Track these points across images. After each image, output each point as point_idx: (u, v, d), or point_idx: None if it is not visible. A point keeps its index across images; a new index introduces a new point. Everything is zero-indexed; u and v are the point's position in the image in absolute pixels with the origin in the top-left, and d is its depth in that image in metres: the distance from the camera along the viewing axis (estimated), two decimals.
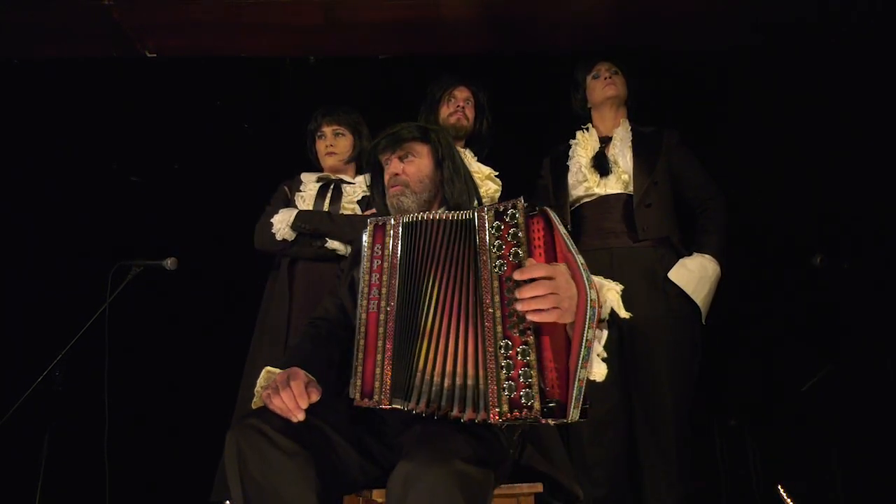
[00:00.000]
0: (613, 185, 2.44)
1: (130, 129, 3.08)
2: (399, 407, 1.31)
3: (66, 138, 3.06)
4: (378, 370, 1.33)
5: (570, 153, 2.57)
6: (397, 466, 1.13)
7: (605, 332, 1.27)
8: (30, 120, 3.03)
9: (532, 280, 1.17)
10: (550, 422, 1.16)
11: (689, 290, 2.29)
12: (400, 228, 1.41)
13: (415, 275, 1.36)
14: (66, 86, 3.04)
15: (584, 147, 2.54)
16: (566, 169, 2.55)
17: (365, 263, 1.41)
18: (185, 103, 3.09)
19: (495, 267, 1.24)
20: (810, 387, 2.62)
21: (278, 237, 2.34)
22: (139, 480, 2.72)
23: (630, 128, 2.53)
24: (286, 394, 1.27)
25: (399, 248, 1.39)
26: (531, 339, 1.17)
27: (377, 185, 1.74)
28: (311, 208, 2.42)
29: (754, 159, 2.95)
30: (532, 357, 1.16)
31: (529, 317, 1.16)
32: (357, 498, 1.48)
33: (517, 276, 1.18)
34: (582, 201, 2.50)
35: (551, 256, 1.25)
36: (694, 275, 2.31)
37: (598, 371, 1.21)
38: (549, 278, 1.16)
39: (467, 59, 2.97)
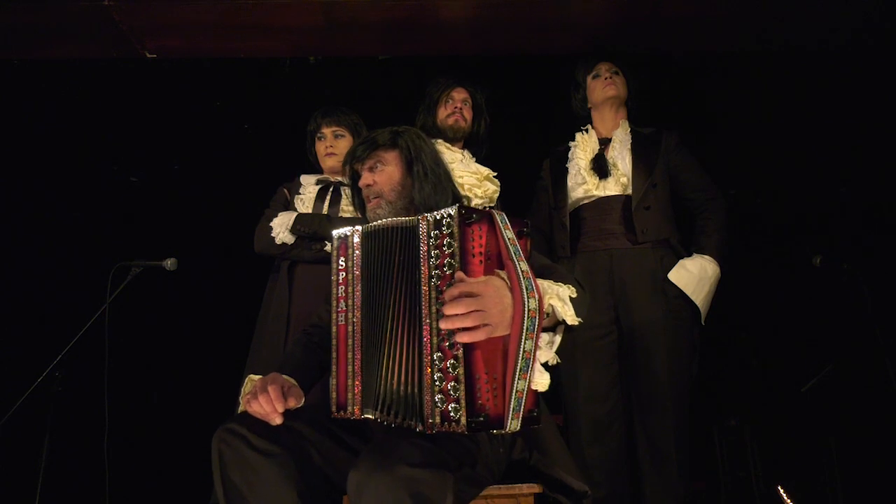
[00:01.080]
0: (612, 188, 2.44)
1: (130, 129, 3.08)
2: (370, 416, 1.32)
3: (66, 139, 3.06)
4: (349, 381, 1.35)
5: (570, 155, 2.57)
6: (349, 475, 1.14)
7: (558, 338, 1.26)
8: (30, 120, 3.04)
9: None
10: (497, 432, 1.16)
11: (688, 291, 2.29)
12: (359, 238, 1.41)
13: (376, 284, 1.35)
14: (66, 86, 3.04)
15: (583, 149, 2.53)
16: (565, 171, 2.55)
17: (332, 277, 1.41)
18: (185, 104, 3.09)
19: (433, 277, 1.20)
20: (810, 387, 2.62)
21: (278, 241, 2.34)
22: (139, 481, 2.73)
23: (629, 129, 2.53)
24: (264, 398, 1.31)
25: (360, 259, 1.39)
26: (460, 352, 1.14)
27: (359, 197, 1.71)
28: (310, 211, 2.42)
29: (754, 160, 2.95)
30: (460, 371, 1.14)
31: (456, 337, 1.14)
32: None
33: (444, 302, 1.15)
34: (581, 203, 2.50)
35: (495, 263, 1.22)
36: (694, 276, 2.31)
37: (541, 381, 1.20)
38: (475, 295, 1.13)
39: (467, 59, 2.97)
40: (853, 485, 2.53)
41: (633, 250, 2.37)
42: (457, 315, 1.12)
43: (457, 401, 1.13)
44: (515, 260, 1.19)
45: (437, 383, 1.15)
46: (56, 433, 2.38)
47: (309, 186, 2.51)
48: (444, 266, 1.19)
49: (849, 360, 2.58)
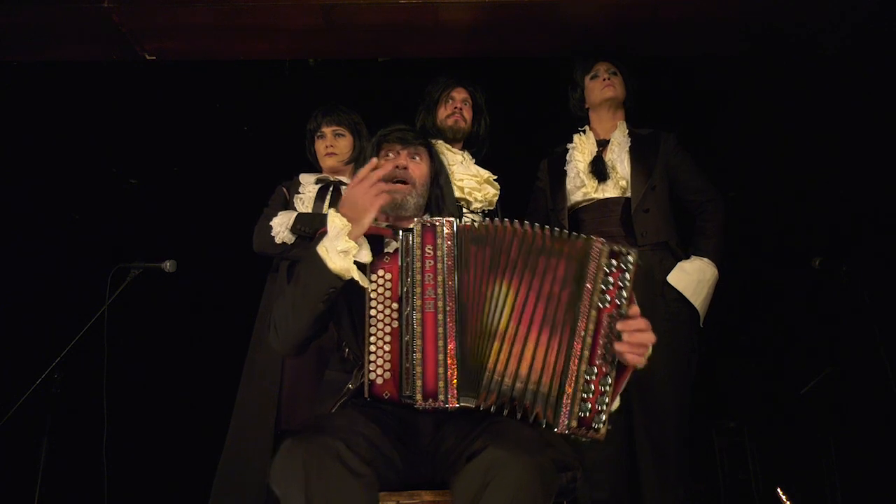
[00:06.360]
0: (611, 190, 2.44)
1: (130, 131, 3.09)
2: (468, 405, 1.34)
3: (66, 141, 3.06)
4: (441, 370, 1.33)
5: (568, 157, 2.56)
6: (483, 453, 1.19)
7: None
8: (30, 122, 3.04)
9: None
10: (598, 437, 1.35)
11: (687, 293, 2.29)
12: (455, 231, 1.42)
13: (479, 277, 1.39)
14: (66, 88, 3.04)
15: (581, 151, 2.53)
16: (564, 173, 2.54)
17: (415, 264, 1.39)
18: (185, 106, 3.09)
19: (598, 300, 1.35)
20: (809, 389, 2.62)
21: (277, 240, 2.33)
22: (138, 483, 2.72)
23: (627, 131, 2.53)
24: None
25: (454, 250, 1.40)
26: (614, 373, 1.34)
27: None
28: (310, 210, 2.42)
29: (753, 162, 2.95)
30: (609, 388, 1.32)
31: (628, 354, 1.33)
32: None
33: (621, 326, 1.35)
34: (580, 205, 2.49)
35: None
36: (692, 278, 2.31)
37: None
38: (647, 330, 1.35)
39: (466, 61, 2.97)
40: (852, 486, 2.53)
41: None
42: (637, 346, 1.35)
43: (600, 412, 1.32)
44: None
45: (581, 391, 1.32)
46: (55, 434, 2.38)
47: (308, 186, 2.50)
48: (616, 297, 1.36)
49: (848, 362, 2.58)
